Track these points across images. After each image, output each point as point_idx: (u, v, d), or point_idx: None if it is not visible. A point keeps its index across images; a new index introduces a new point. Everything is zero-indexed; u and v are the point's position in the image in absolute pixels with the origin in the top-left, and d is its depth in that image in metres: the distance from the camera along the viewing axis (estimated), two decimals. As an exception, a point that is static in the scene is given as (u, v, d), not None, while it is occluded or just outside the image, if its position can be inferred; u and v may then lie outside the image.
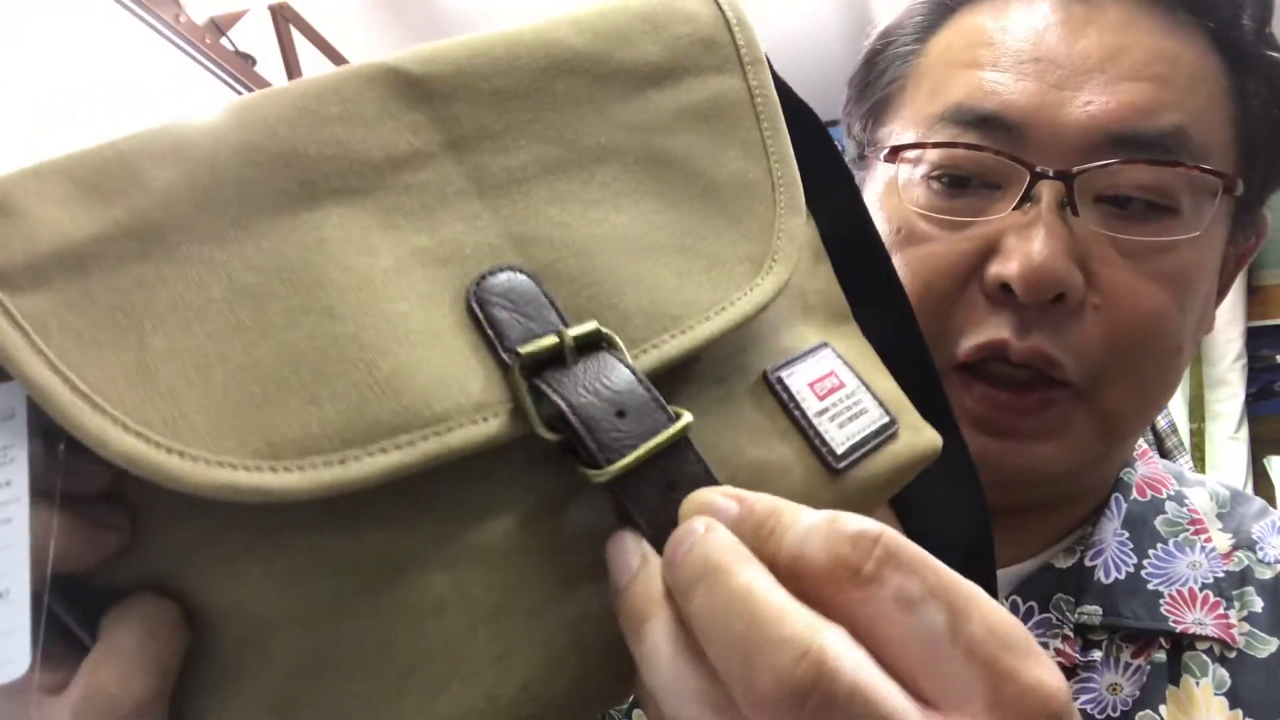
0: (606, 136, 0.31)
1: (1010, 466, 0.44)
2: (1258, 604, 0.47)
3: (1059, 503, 0.49)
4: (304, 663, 0.24)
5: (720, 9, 0.34)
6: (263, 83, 2.37)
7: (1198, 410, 2.93)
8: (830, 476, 0.31)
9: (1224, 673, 0.45)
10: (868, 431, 0.32)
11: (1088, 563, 0.47)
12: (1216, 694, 0.44)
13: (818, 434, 0.31)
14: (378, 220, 0.26)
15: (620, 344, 0.27)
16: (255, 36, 2.41)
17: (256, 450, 0.23)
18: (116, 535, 0.24)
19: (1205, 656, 0.45)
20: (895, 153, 0.46)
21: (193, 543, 0.25)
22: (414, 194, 0.27)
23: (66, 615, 0.25)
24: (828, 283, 0.36)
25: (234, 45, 2.31)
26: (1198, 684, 0.44)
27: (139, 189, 0.24)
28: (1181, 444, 1.67)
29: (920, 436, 0.34)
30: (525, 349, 0.26)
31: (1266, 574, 0.48)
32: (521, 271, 0.27)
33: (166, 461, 0.22)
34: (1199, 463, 2.84)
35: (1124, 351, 0.43)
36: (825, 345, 0.34)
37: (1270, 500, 2.75)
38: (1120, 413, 0.45)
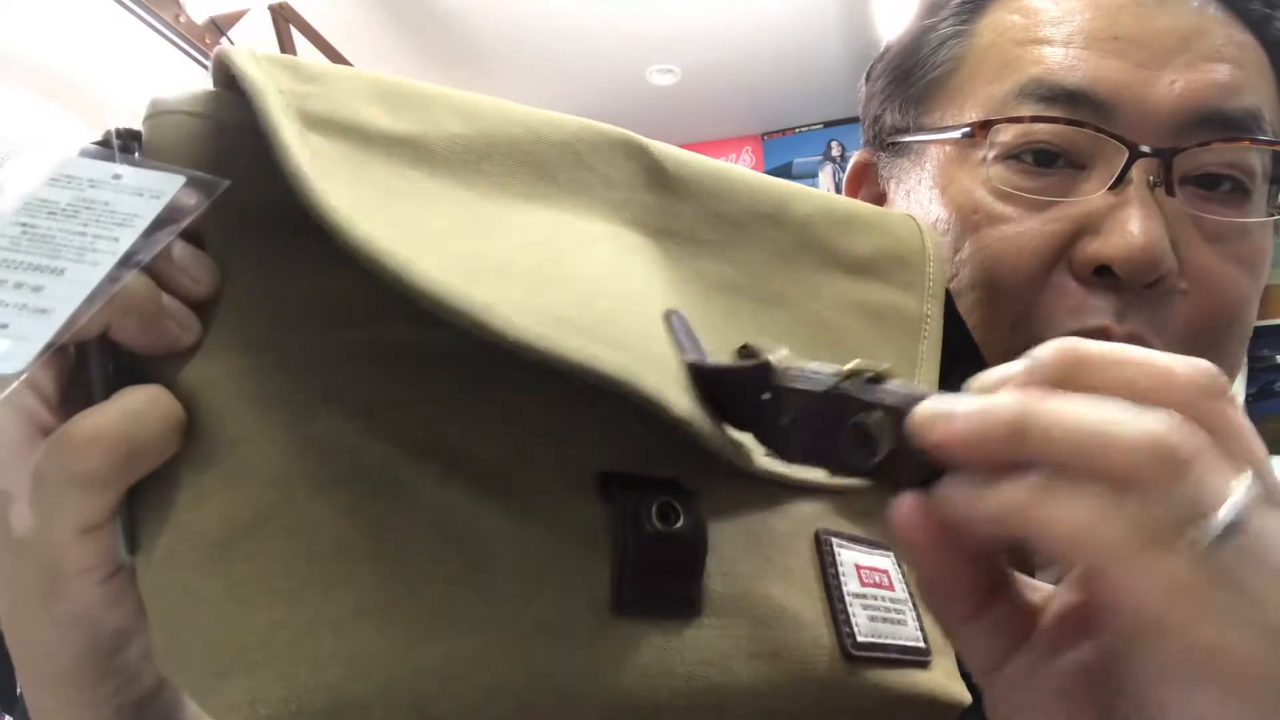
0: (790, 290, 0.34)
1: None
2: None
3: None
4: (257, 522, 0.25)
5: (924, 242, 0.38)
6: (263, 83, 2.37)
7: (1198, 410, 2.93)
8: (841, 657, 0.30)
9: None
10: (897, 642, 0.31)
11: None
12: None
13: (845, 609, 0.30)
14: (604, 235, 0.30)
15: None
16: (255, 36, 2.41)
17: (484, 299, 0.24)
18: (184, 337, 0.26)
19: None
20: (984, 128, 0.43)
21: (243, 376, 0.26)
22: (631, 240, 0.31)
23: (98, 374, 0.26)
24: None
25: (234, 45, 2.31)
26: None
27: (430, 121, 0.29)
28: (1181, 444, 1.67)
29: (950, 684, 0.33)
30: (744, 348, 0.29)
31: None
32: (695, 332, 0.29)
33: (383, 240, 0.24)
34: (1199, 463, 2.85)
35: (1209, 337, 0.42)
36: (890, 553, 0.33)
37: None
38: None
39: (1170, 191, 0.41)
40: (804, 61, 3.21)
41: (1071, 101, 0.42)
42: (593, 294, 0.27)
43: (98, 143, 0.28)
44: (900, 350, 0.35)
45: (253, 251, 0.27)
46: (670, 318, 0.29)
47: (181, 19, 2.08)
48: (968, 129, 0.44)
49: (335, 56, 2.76)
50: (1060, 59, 0.42)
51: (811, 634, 0.30)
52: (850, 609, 0.30)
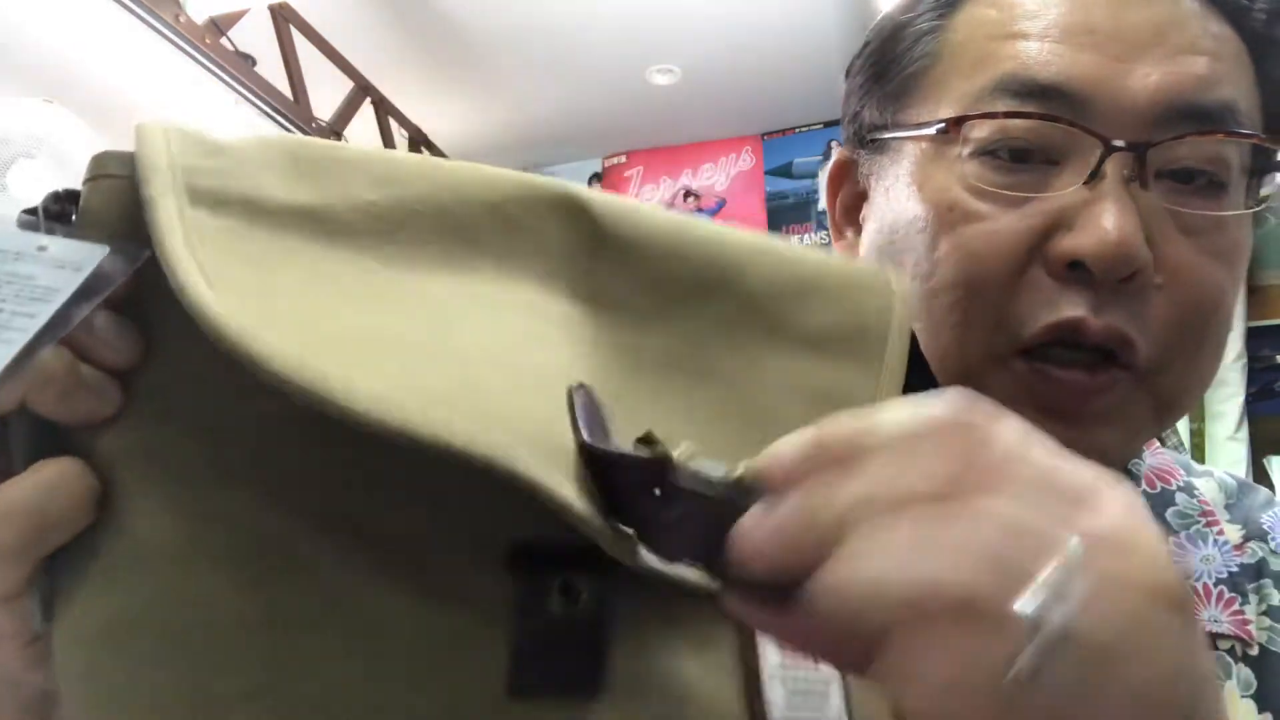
0: (728, 365, 0.31)
1: (1080, 452, 0.43)
2: (1276, 597, 0.46)
3: None
4: (159, 599, 0.25)
5: (893, 314, 0.34)
6: (263, 83, 2.37)
7: (1198, 410, 2.92)
8: None
9: (1249, 673, 0.44)
10: None
11: None
12: (1243, 696, 0.43)
13: (760, 687, 0.29)
14: (518, 304, 0.29)
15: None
16: (255, 36, 2.41)
17: (338, 376, 0.23)
18: (103, 408, 0.26)
19: (1228, 656, 0.44)
20: (957, 124, 0.43)
21: (156, 448, 0.26)
22: (553, 309, 0.30)
23: (18, 445, 0.27)
24: None
25: (234, 45, 2.30)
26: (1222, 686, 0.43)
27: (341, 190, 0.28)
28: (1181, 444, 1.67)
29: None
30: (649, 439, 0.26)
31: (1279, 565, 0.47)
32: (608, 407, 0.28)
33: (246, 338, 0.23)
34: (1199, 462, 2.84)
35: (1188, 331, 0.42)
36: None
37: (1270, 500, 2.76)
38: (1176, 395, 0.44)
39: (1145, 185, 0.41)
40: (804, 61, 3.20)
41: (1046, 96, 0.42)
42: (485, 370, 0.26)
43: (28, 211, 0.28)
44: None
45: (174, 320, 0.26)
46: (574, 394, 0.27)
47: (181, 19, 2.08)
48: (942, 125, 0.44)
49: (335, 56, 2.76)
50: (1035, 53, 0.42)
51: (723, 713, 0.28)
52: (768, 686, 0.29)
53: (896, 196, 0.46)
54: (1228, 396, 2.90)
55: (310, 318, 0.25)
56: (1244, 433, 2.88)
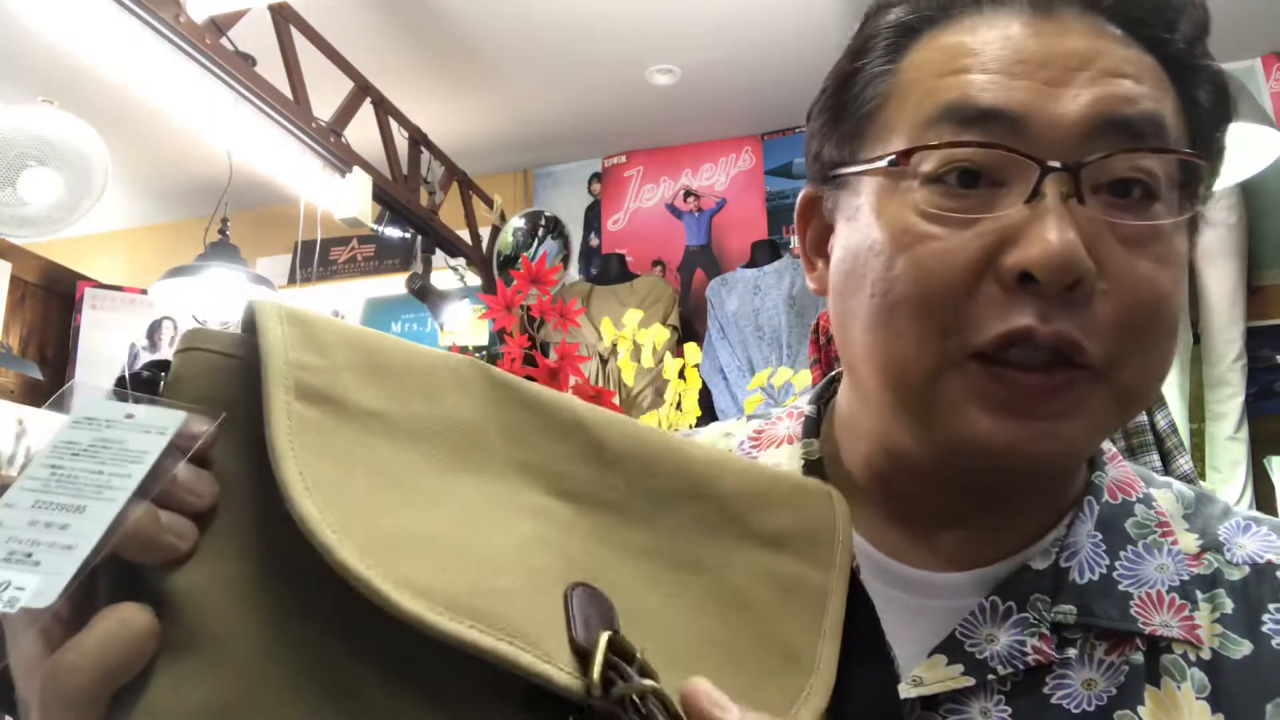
0: (708, 558, 0.38)
1: (1040, 450, 0.45)
2: (1229, 606, 0.48)
3: (1042, 495, 0.51)
4: (232, 708, 0.29)
5: (836, 520, 0.42)
6: (263, 83, 2.37)
7: (1198, 410, 2.92)
8: None
9: (1203, 676, 0.46)
10: None
11: (1063, 564, 0.49)
12: (1198, 698, 0.45)
13: None
14: (530, 508, 0.35)
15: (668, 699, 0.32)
16: (255, 36, 2.41)
17: (395, 578, 0.29)
18: (182, 546, 0.30)
19: (1182, 660, 0.46)
20: (906, 156, 0.47)
21: (231, 582, 0.31)
22: (558, 513, 0.36)
23: (103, 590, 0.31)
24: None
25: (234, 45, 2.30)
26: (1179, 687, 0.46)
27: (401, 400, 0.35)
28: (1181, 444, 1.67)
29: None
30: (613, 635, 0.32)
31: (1235, 575, 0.50)
32: (605, 600, 0.34)
33: (329, 537, 0.29)
34: (1199, 463, 2.84)
35: (1136, 332, 0.45)
36: None
37: (1271, 500, 2.75)
38: (1134, 390, 0.46)
39: (1081, 201, 0.44)
40: (804, 61, 3.20)
41: (985, 122, 0.45)
42: (503, 575, 0.32)
43: (119, 382, 0.34)
44: (804, 620, 0.39)
45: (250, 474, 0.32)
46: (570, 594, 0.33)
47: (181, 19, 2.08)
48: (893, 157, 0.47)
49: (335, 56, 2.76)
50: (973, 85, 0.46)
51: None
52: None
53: (858, 226, 0.49)
54: (1228, 396, 2.90)
55: (375, 513, 0.31)
56: (1244, 433, 2.88)
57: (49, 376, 3.42)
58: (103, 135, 2.62)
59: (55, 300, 3.59)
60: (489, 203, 3.64)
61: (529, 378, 1.90)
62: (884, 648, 0.41)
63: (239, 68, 2.28)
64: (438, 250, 3.29)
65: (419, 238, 3.22)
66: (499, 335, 1.95)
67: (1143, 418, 1.64)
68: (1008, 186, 0.45)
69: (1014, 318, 0.44)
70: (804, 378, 2.20)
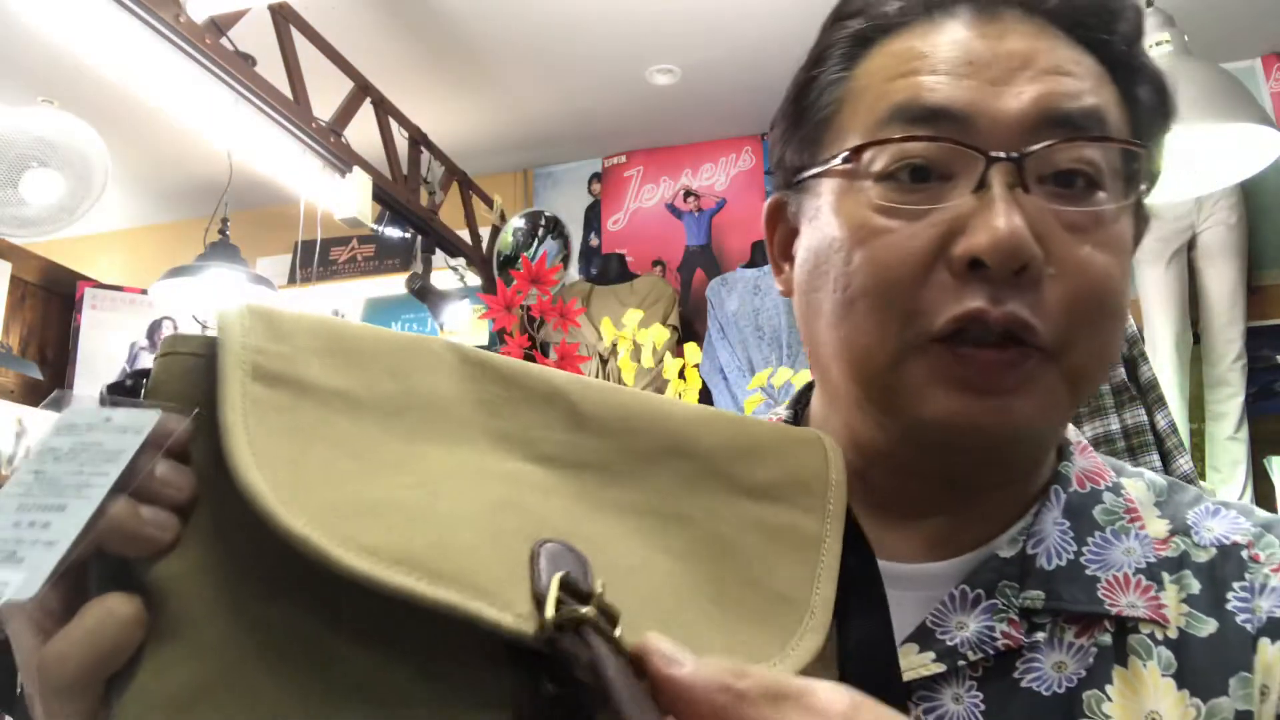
0: (694, 511, 0.38)
1: (995, 424, 0.47)
2: (1195, 586, 0.50)
3: (1009, 482, 0.53)
4: (210, 686, 0.31)
5: (828, 467, 0.42)
6: (263, 83, 2.37)
7: (1198, 410, 2.93)
8: None
9: (1169, 654, 0.48)
10: None
11: (1030, 551, 0.51)
12: (1164, 675, 0.47)
13: None
14: (501, 474, 0.36)
15: (625, 641, 0.32)
16: (255, 36, 2.41)
17: (339, 537, 0.31)
18: (164, 537, 0.32)
19: (1149, 640, 0.48)
20: (858, 151, 0.49)
21: (207, 567, 0.32)
22: (534, 477, 0.37)
23: (93, 581, 0.32)
24: None
25: (234, 45, 2.30)
26: (1145, 665, 0.47)
27: (367, 379, 0.36)
28: (1181, 444, 1.67)
29: None
30: (566, 576, 0.32)
31: (1202, 557, 0.51)
32: (577, 554, 0.34)
33: (273, 504, 0.31)
34: (1199, 463, 2.84)
35: (1084, 314, 0.47)
36: None
37: (1271, 500, 2.75)
38: (1084, 370, 0.49)
39: (1026, 189, 0.46)
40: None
41: (933, 119, 0.48)
42: (461, 532, 0.33)
43: (112, 386, 0.36)
44: (797, 566, 0.39)
45: (225, 464, 0.33)
46: (539, 549, 0.33)
47: (181, 19, 2.08)
48: (846, 154, 0.50)
49: (335, 56, 2.76)
50: (923, 85, 0.49)
51: None
52: None
53: (818, 226, 0.52)
54: (1228, 396, 2.90)
55: (329, 483, 0.33)
56: (1244, 433, 2.88)
57: (49, 376, 3.42)
58: (103, 135, 2.62)
59: (55, 300, 3.59)
60: (489, 203, 3.64)
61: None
62: (879, 592, 0.42)
63: (239, 68, 2.28)
64: (438, 250, 3.29)
65: (419, 238, 3.22)
66: (499, 335, 1.95)
67: (1143, 417, 1.64)
68: (956, 179, 0.48)
69: (966, 301, 0.46)
70: (804, 378, 2.19)
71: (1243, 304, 2.91)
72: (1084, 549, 0.51)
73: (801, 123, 0.54)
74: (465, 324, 3.24)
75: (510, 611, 0.31)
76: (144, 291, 3.37)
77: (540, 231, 3.70)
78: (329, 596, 0.31)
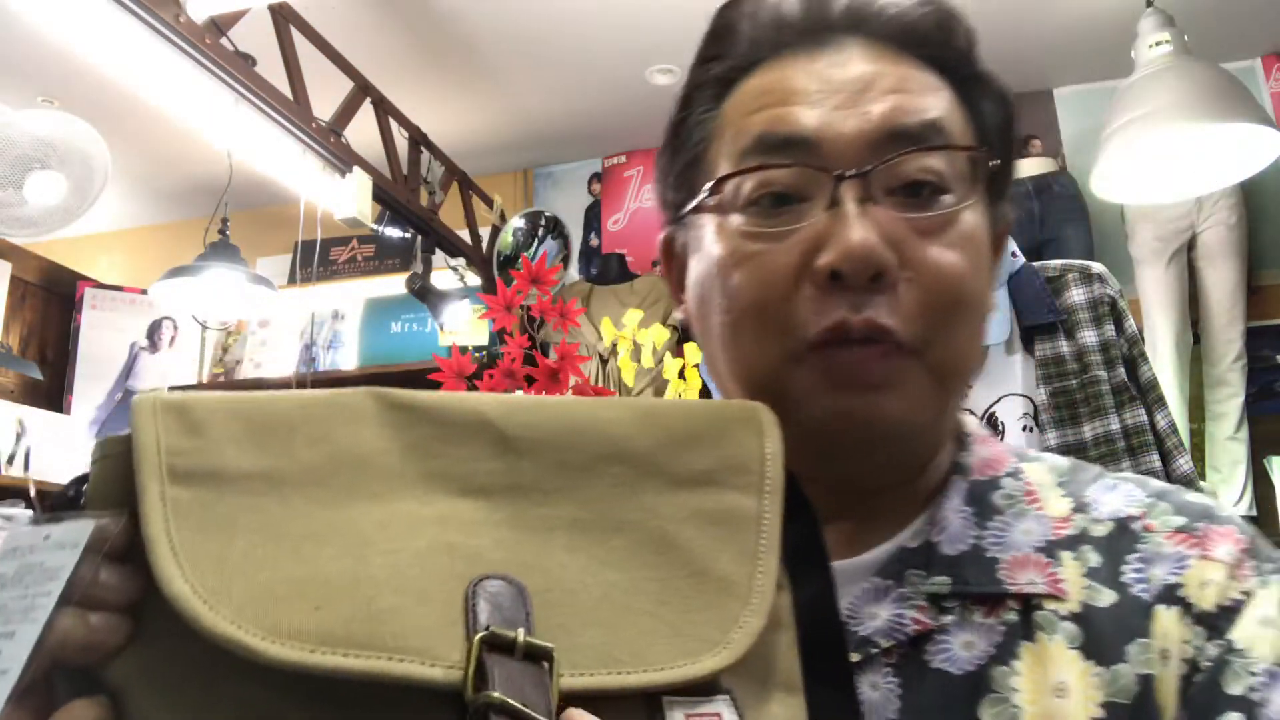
0: (632, 514, 0.39)
1: (869, 419, 0.50)
2: (1095, 559, 0.52)
3: (906, 479, 0.56)
4: None
5: (763, 445, 0.42)
6: (263, 83, 2.37)
7: (1198, 410, 2.93)
8: None
9: (1074, 628, 0.50)
10: None
11: (934, 539, 0.54)
12: (1069, 648, 0.49)
13: None
14: (432, 518, 0.37)
15: (559, 670, 0.34)
16: (255, 36, 2.41)
17: (265, 627, 0.32)
18: (114, 640, 0.34)
19: (1053, 616, 0.50)
20: (720, 182, 0.54)
21: (153, 668, 0.34)
22: (467, 513, 0.38)
23: (61, 694, 0.34)
24: (783, 651, 0.40)
25: (234, 45, 2.31)
26: (1051, 640, 0.49)
27: (287, 453, 0.37)
28: (1181, 444, 1.67)
29: None
30: (488, 631, 0.34)
31: (1100, 531, 0.54)
32: (515, 585, 0.36)
33: (199, 608, 0.32)
34: (1199, 463, 2.84)
35: (941, 311, 0.51)
36: (728, 693, 0.37)
37: (1271, 500, 2.75)
38: (948, 366, 0.52)
39: (876, 202, 0.50)
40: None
41: (786, 147, 0.52)
42: (384, 592, 0.34)
43: (52, 499, 0.37)
44: (739, 548, 0.40)
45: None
46: (473, 590, 0.35)
47: (181, 19, 2.08)
48: (711, 185, 0.54)
49: (335, 56, 2.76)
50: (776, 116, 0.53)
51: None
52: None
53: (701, 257, 0.56)
54: (1228, 396, 2.90)
55: (254, 573, 0.34)
56: (1244, 433, 2.88)
57: (49, 376, 3.42)
58: (103, 135, 2.62)
59: (55, 300, 3.59)
60: (489, 203, 3.64)
61: (529, 378, 1.89)
62: (822, 554, 0.43)
63: (239, 68, 2.28)
64: (438, 250, 3.29)
65: (419, 238, 3.22)
66: (499, 335, 1.95)
67: (1143, 417, 1.64)
68: (813, 200, 0.51)
69: (830, 313, 0.49)
70: (804, 378, 2.19)
71: (1243, 304, 2.91)
72: (985, 533, 0.54)
73: (677, 161, 0.59)
74: (465, 324, 3.24)
75: (441, 665, 0.33)
76: (144, 291, 3.37)
77: (540, 231, 3.70)
78: (276, 677, 0.33)
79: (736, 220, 0.53)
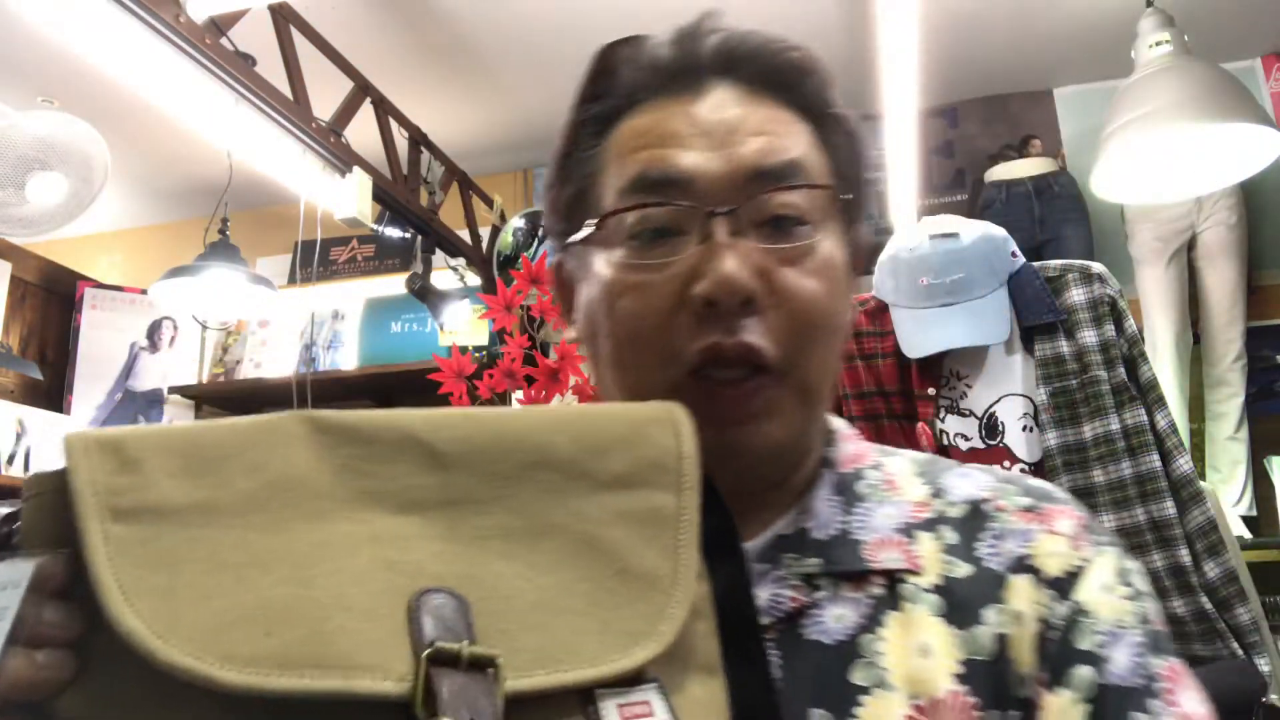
0: (560, 519, 0.41)
1: (747, 448, 0.56)
2: (953, 537, 0.59)
3: (782, 480, 0.62)
4: None
5: (679, 443, 0.45)
6: (263, 83, 2.37)
7: (1198, 410, 2.93)
8: None
9: (936, 599, 0.56)
10: None
11: (805, 526, 0.59)
12: (933, 616, 0.55)
13: None
14: (370, 537, 0.38)
15: (503, 675, 0.36)
16: (255, 36, 2.41)
17: (220, 655, 0.34)
18: (63, 674, 0.35)
19: (916, 588, 0.56)
20: (605, 218, 0.58)
21: (112, 692, 0.35)
22: (404, 529, 0.39)
23: None
24: (703, 637, 0.43)
25: (234, 45, 2.31)
26: (915, 609, 0.55)
27: (223, 483, 0.38)
28: (1181, 444, 1.67)
29: None
30: (434, 647, 0.35)
31: (956, 512, 0.60)
32: (455, 597, 0.38)
33: (153, 643, 0.33)
34: (1199, 463, 2.84)
35: (803, 333, 0.56)
36: (655, 681, 0.40)
37: (1271, 500, 2.75)
38: (811, 384, 0.58)
39: (743, 236, 0.56)
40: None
41: (662, 186, 0.57)
42: (329, 613, 0.35)
43: None
44: (661, 544, 0.42)
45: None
46: (416, 605, 0.37)
47: (181, 19, 2.08)
48: (595, 223, 0.59)
49: (335, 56, 2.76)
50: (653, 158, 0.58)
51: None
52: None
53: (588, 285, 0.61)
54: (1228, 396, 2.90)
55: (203, 604, 0.35)
56: (1244, 433, 2.88)
57: (49, 376, 3.42)
58: (103, 135, 2.62)
59: (55, 300, 3.59)
60: (489, 203, 3.64)
61: (529, 378, 1.89)
62: (735, 545, 0.46)
63: (239, 68, 2.27)
64: (438, 250, 3.29)
65: (419, 238, 3.22)
66: (499, 335, 1.95)
67: (1143, 417, 1.64)
68: (688, 234, 0.57)
69: (705, 337, 0.54)
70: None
71: (1243, 304, 2.91)
72: (851, 518, 0.60)
73: (564, 193, 0.63)
74: (465, 324, 3.24)
75: (391, 678, 0.35)
76: (144, 291, 3.37)
77: (540, 231, 3.70)
78: (228, 701, 0.34)
79: (619, 252, 0.58)
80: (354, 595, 0.36)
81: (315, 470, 0.39)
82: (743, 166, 0.56)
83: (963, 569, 0.57)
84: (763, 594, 0.56)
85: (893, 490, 0.62)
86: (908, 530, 0.59)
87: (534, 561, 0.40)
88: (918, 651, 0.54)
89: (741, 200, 0.56)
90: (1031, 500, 0.60)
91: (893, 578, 0.57)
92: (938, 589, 0.56)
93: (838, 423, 0.67)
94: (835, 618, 0.56)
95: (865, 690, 0.53)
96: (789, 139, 0.59)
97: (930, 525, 0.60)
